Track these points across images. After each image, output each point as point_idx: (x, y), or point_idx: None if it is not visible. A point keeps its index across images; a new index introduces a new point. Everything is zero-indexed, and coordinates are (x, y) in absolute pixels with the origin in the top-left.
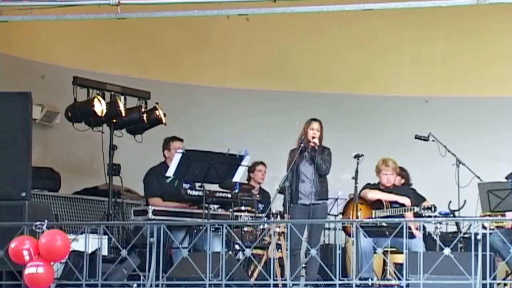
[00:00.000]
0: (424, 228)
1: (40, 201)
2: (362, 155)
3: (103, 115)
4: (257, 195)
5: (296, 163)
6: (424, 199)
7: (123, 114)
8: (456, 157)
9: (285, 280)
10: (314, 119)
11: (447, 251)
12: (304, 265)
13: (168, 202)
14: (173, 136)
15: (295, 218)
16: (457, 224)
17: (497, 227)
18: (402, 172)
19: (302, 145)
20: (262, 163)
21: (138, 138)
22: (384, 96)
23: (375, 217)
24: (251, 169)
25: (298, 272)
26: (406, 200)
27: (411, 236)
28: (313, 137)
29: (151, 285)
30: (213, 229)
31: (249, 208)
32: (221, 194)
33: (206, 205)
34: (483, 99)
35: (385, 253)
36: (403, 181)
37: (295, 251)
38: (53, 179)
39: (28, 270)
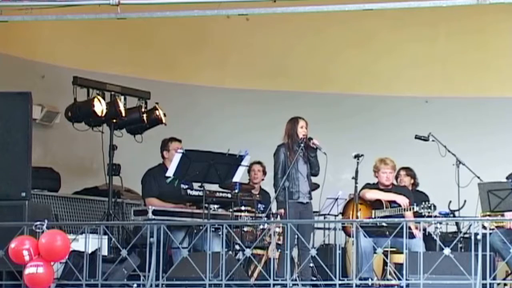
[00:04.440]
0: (424, 228)
1: (40, 201)
2: (362, 155)
3: (103, 115)
4: (257, 195)
5: (293, 161)
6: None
7: (123, 114)
8: (456, 157)
9: (285, 280)
10: (300, 117)
11: (447, 251)
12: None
13: (167, 202)
14: (171, 137)
15: (290, 214)
16: (457, 224)
17: (497, 227)
18: (410, 172)
19: (302, 144)
20: (257, 162)
21: (138, 138)
22: (384, 96)
23: (375, 217)
24: (248, 169)
25: (296, 271)
26: (403, 200)
27: (411, 236)
28: (311, 138)
29: (151, 285)
30: (213, 229)
31: (249, 208)
32: (221, 194)
33: (206, 205)
34: (483, 99)
35: (385, 253)
36: (412, 180)
37: (291, 246)
38: (53, 179)
39: (28, 270)
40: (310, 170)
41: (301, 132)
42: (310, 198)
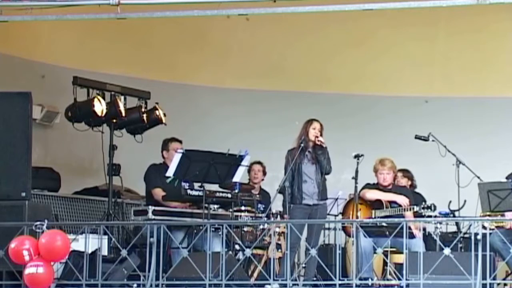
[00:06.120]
0: (424, 228)
1: (40, 201)
2: (362, 155)
3: (103, 115)
4: (257, 195)
5: (297, 163)
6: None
7: (123, 114)
8: (456, 157)
9: (285, 280)
10: (315, 119)
11: (447, 251)
12: (303, 265)
13: (168, 201)
14: (172, 137)
15: (297, 218)
16: (457, 224)
17: (497, 227)
18: (408, 174)
19: (302, 144)
20: (257, 162)
21: (138, 138)
22: (384, 96)
23: (375, 217)
24: (248, 169)
25: (296, 271)
26: (403, 200)
27: (411, 236)
28: (317, 136)
29: (151, 285)
30: (213, 229)
31: (249, 208)
32: (221, 194)
33: (206, 205)
34: (483, 99)
35: (385, 253)
36: (410, 182)
37: (294, 248)
38: (53, 179)
39: (28, 270)
40: (321, 170)
41: (312, 132)
42: (322, 199)
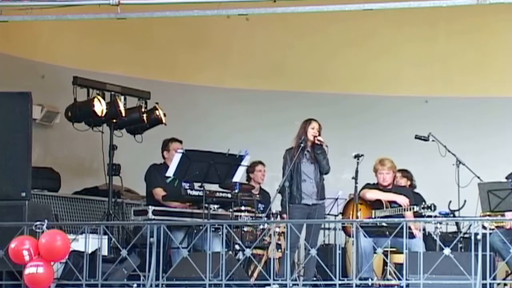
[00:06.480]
0: (424, 228)
1: (40, 201)
2: (362, 155)
3: (103, 115)
4: (257, 195)
5: (296, 163)
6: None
7: (123, 114)
8: (456, 157)
9: (285, 280)
10: (313, 119)
11: (447, 251)
12: (303, 265)
13: (168, 201)
14: (172, 137)
15: (296, 217)
16: (457, 224)
17: (497, 227)
18: (407, 174)
19: (302, 144)
20: (261, 162)
21: (138, 138)
22: (383, 96)
23: (375, 217)
24: (250, 169)
25: (296, 271)
26: (404, 200)
27: (411, 236)
28: (315, 136)
29: (151, 285)
30: (213, 229)
31: (249, 208)
32: (221, 194)
33: (206, 205)
34: (483, 99)
35: (385, 253)
36: (409, 182)
37: (293, 248)
38: (53, 179)
39: (28, 270)
40: (320, 169)
41: (311, 132)
42: (320, 198)
